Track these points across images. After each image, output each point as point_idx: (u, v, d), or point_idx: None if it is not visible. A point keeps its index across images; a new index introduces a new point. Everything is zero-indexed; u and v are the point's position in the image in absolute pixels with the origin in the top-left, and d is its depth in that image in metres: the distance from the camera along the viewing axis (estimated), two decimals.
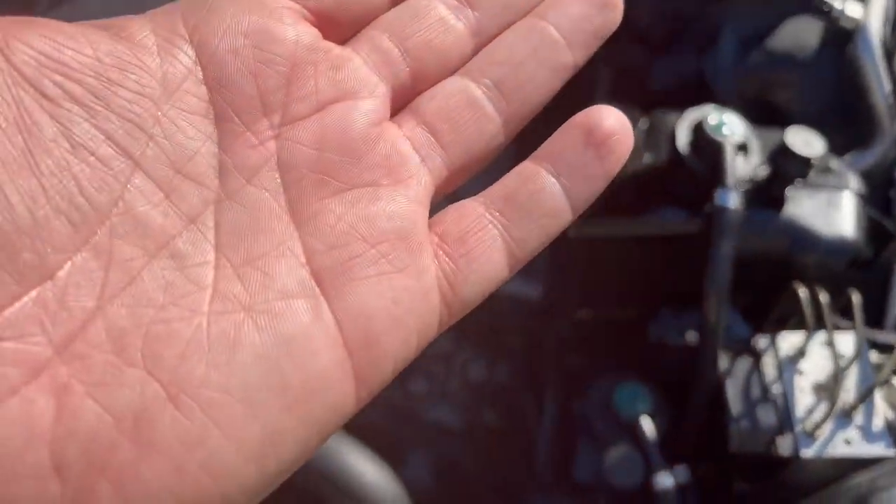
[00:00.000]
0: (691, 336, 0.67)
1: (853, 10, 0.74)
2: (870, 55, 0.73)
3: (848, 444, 0.60)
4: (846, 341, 0.64)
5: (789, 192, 0.67)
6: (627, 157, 0.24)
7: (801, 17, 0.77)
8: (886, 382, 0.64)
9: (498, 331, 0.92)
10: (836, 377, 0.60)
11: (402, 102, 0.23)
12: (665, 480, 0.64)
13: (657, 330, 0.68)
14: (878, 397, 0.62)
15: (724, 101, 0.79)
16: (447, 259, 0.21)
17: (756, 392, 0.63)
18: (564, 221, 0.23)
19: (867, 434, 0.60)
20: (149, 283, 0.18)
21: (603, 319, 0.74)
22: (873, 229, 0.71)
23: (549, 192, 0.22)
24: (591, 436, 0.69)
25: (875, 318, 0.69)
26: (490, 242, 0.22)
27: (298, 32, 0.21)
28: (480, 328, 0.92)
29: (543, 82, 0.24)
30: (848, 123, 0.78)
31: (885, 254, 0.68)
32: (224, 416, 0.17)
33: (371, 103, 0.22)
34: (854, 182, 0.69)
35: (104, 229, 0.18)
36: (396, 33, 0.23)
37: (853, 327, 0.66)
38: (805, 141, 0.64)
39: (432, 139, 0.23)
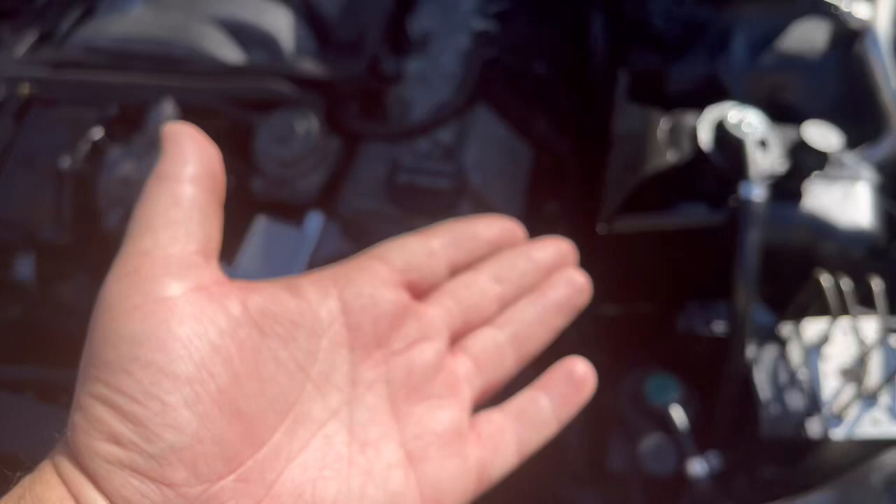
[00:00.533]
0: (719, 326, 0.69)
1: (860, 11, 0.76)
2: (878, 53, 0.76)
3: (876, 424, 0.62)
4: (868, 327, 0.67)
5: (807, 185, 0.70)
6: (592, 393, 0.36)
7: (809, 20, 0.80)
8: None
9: None
10: (862, 360, 0.62)
11: (456, 340, 0.35)
12: (698, 467, 0.66)
13: (685, 322, 0.70)
14: None
15: (737, 101, 0.82)
16: (481, 449, 0.33)
17: (783, 378, 0.65)
18: (552, 431, 0.35)
19: (894, 414, 0.62)
20: (311, 454, 0.30)
21: (629, 314, 0.75)
22: (888, 219, 0.73)
23: (545, 411, 0.34)
24: (623, 426, 0.71)
25: (893, 305, 0.72)
26: (507, 440, 0.33)
27: (399, 296, 0.33)
28: None
29: (543, 335, 0.36)
30: (856, 120, 0.81)
31: None
32: None
33: (439, 343, 0.34)
34: (868, 173, 0.72)
35: (291, 417, 0.29)
36: (454, 296, 0.35)
37: (874, 314, 0.68)
38: (822, 135, 0.66)
39: (474, 368, 0.34)
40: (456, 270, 0.36)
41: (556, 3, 0.98)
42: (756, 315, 0.71)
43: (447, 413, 0.32)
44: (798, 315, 0.69)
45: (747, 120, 0.67)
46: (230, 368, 0.27)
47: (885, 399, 0.63)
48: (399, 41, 0.94)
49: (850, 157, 0.73)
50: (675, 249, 0.68)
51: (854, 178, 0.71)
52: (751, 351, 0.66)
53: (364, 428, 0.31)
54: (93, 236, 0.74)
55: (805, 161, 0.67)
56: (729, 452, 0.67)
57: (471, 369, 0.34)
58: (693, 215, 0.66)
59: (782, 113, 0.81)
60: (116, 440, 0.25)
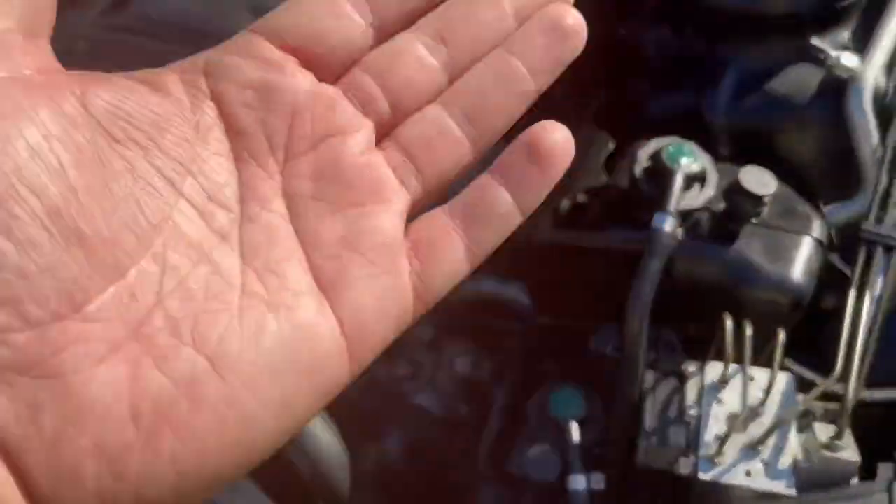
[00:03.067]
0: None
1: (849, 60, 0.73)
2: (859, 108, 0.72)
3: (748, 475, 0.60)
4: (762, 378, 0.64)
5: (746, 229, 0.68)
6: (567, 165, 0.27)
7: (801, 65, 0.77)
8: (808, 426, 0.63)
9: (488, 331, 0.95)
10: (750, 410, 0.61)
11: (385, 130, 0.27)
12: (577, 483, 0.66)
13: (598, 342, 0.70)
14: (794, 437, 0.61)
15: (717, 139, 0.81)
16: (418, 261, 0.26)
17: (673, 413, 0.64)
18: (514, 223, 0.27)
19: (771, 469, 0.60)
20: (193, 283, 0.23)
21: (559, 326, 0.77)
22: (837, 279, 0.70)
23: (501, 201, 0.26)
24: (527, 431, 0.72)
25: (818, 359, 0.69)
26: (453, 245, 0.26)
27: (297, 82, 0.26)
28: (474, 327, 0.96)
29: (508, 109, 0.27)
30: (838, 175, 0.77)
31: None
32: (254, 383, 0.23)
33: (358, 137, 0.26)
34: (817, 229, 0.69)
35: (159, 242, 0.23)
36: (379, 73, 0.26)
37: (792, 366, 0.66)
38: (758, 180, 0.65)
39: (410, 164, 0.26)
40: (385, 32, 0.27)
41: None
42: (672, 349, 0.70)
43: (371, 223, 0.25)
44: (711, 356, 0.67)
45: (686, 154, 0.66)
46: (62, 182, 0.21)
47: (766, 453, 0.61)
48: None
49: (806, 208, 0.70)
50: (596, 268, 0.69)
51: (799, 230, 0.68)
52: (649, 381, 0.66)
53: (260, 251, 0.24)
54: None
55: (738, 203, 0.66)
56: (613, 475, 0.67)
57: (405, 165, 0.26)
58: (610, 238, 0.67)
59: (765, 156, 0.79)
60: None
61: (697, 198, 0.66)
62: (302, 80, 0.26)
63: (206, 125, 0.25)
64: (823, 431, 0.62)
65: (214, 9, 0.91)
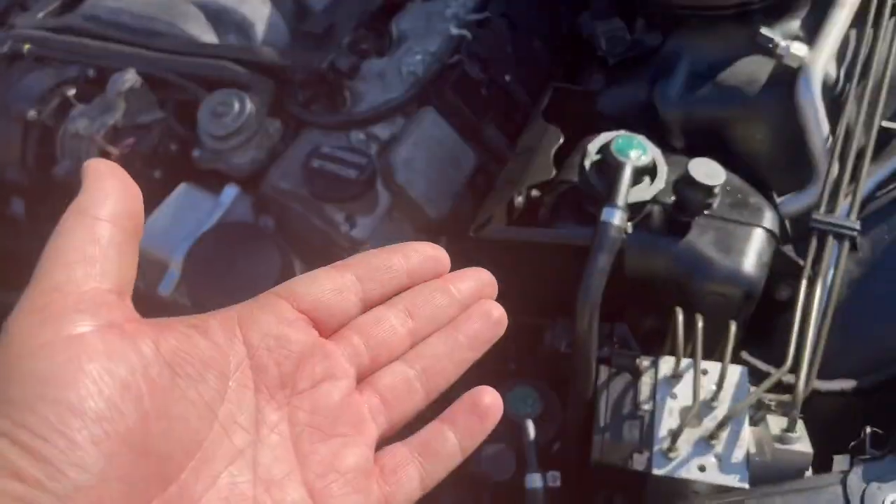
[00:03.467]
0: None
1: (799, 50, 0.73)
2: (809, 97, 0.72)
3: (702, 469, 0.59)
4: (733, 372, 0.64)
5: (698, 221, 0.67)
6: (498, 419, 0.36)
7: (752, 56, 0.76)
8: (761, 419, 0.63)
9: None
10: (696, 402, 0.60)
11: (364, 376, 0.35)
12: (534, 481, 0.65)
13: (551, 338, 0.69)
14: (747, 430, 0.61)
15: (671, 131, 0.80)
16: (385, 484, 0.33)
17: (627, 408, 0.64)
18: (458, 461, 0.35)
19: (724, 463, 0.60)
20: (216, 493, 0.30)
21: (515, 323, 0.75)
22: (790, 269, 0.69)
23: (449, 442, 0.35)
24: None
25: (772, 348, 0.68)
26: (411, 474, 0.34)
27: (305, 335, 0.34)
28: None
29: (454, 370, 0.36)
30: (793, 165, 0.77)
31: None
32: None
33: (345, 382, 0.34)
34: (768, 220, 0.68)
35: (198, 456, 0.30)
36: (363, 334, 0.35)
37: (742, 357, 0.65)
38: (707, 171, 0.64)
39: (381, 406, 0.34)
40: (370, 304, 0.36)
41: (534, 16, 0.98)
42: (625, 343, 0.69)
43: (351, 451, 0.33)
44: (665, 350, 0.66)
45: (635, 147, 0.65)
46: (140, 407, 0.28)
47: (720, 446, 0.60)
48: (380, 39, 0.97)
49: (757, 200, 0.70)
50: (546, 265, 0.68)
51: (750, 221, 0.67)
52: (602, 376, 0.65)
53: (268, 468, 0.31)
54: (54, 183, 0.82)
55: (688, 195, 0.65)
56: (568, 472, 0.66)
57: (377, 406, 0.34)
58: (560, 233, 0.66)
59: (719, 147, 0.78)
60: (19, 477, 0.25)
61: (647, 190, 0.65)
62: (309, 335, 0.34)
63: (236, 363, 0.32)
64: (776, 424, 0.62)
65: (160, 7, 0.89)
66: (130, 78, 0.81)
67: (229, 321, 0.32)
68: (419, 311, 0.36)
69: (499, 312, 0.38)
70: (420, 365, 0.35)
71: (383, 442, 0.35)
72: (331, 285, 0.35)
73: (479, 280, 0.38)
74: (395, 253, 0.37)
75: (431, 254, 0.37)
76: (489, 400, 0.36)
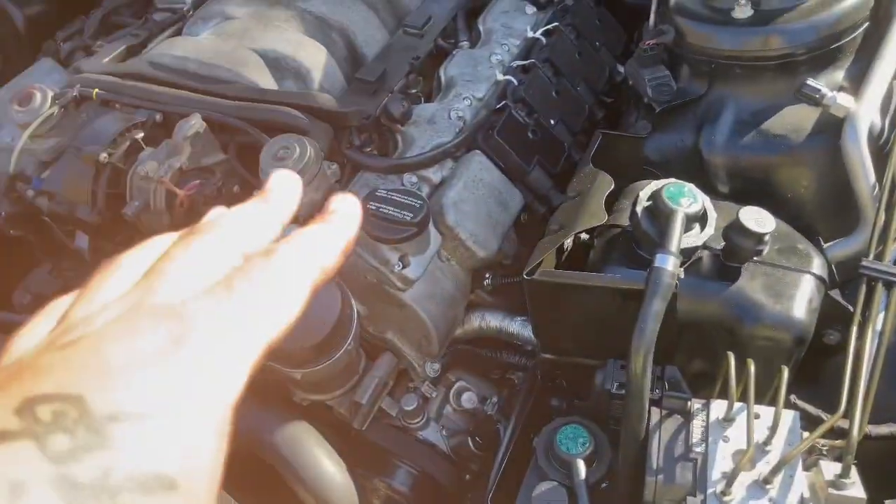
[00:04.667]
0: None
1: (844, 100, 0.74)
2: (856, 146, 0.73)
3: None
4: (786, 416, 0.64)
5: (747, 267, 0.68)
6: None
7: (797, 105, 0.77)
8: (814, 463, 0.63)
9: (495, 365, 0.95)
10: (756, 447, 0.60)
11: None
12: None
13: (602, 379, 0.70)
14: (801, 475, 0.61)
15: (716, 176, 0.81)
16: None
17: (680, 450, 0.64)
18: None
19: None
20: None
21: (565, 363, 0.76)
22: (839, 315, 0.70)
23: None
24: (535, 469, 0.72)
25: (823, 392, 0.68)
26: None
27: None
28: (481, 362, 0.96)
29: None
30: (837, 212, 0.78)
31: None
32: None
33: None
34: (817, 266, 0.69)
35: None
36: None
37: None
38: (757, 219, 0.65)
39: None
40: None
41: (577, 62, 1.00)
42: (676, 386, 0.70)
43: None
44: (716, 393, 0.67)
45: (686, 195, 0.67)
46: None
47: (774, 490, 0.60)
48: (429, 85, 1.00)
49: (806, 246, 0.70)
50: (596, 307, 0.69)
51: (800, 267, 0.68)
52: (654, 419, 0.65)
53: None
54: (121, 221, 0.85)
55: (738, 241, 0.66)
56: None
57: None
58: (610, 278, 0.67)
59: (765, 193, 0.79)
60: None
61: (698, 237, 0.66)
62: None
63: None
64: (830, 469, 0.62)
65: (222, 55, 0.93)
66: (196, 123, 0.84)
67: None
68: None
69: None
70: None
71: None
72: None
73: None
74: None
75: None
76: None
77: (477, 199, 0.87)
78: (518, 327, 0.91)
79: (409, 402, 0.92)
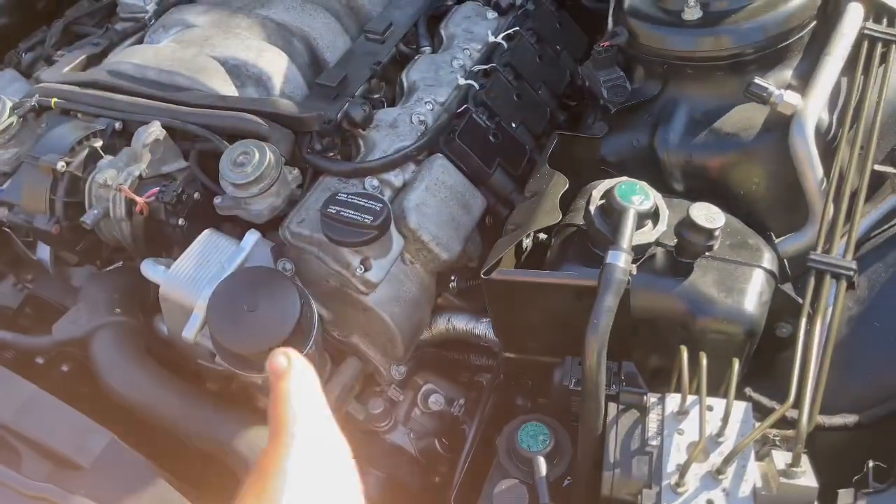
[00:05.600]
0: None
1: (791, 98, 0.75)
2: (803, 142, 0.74)
3: None
4: (738, 408, 0.65)
5: (699, 262, 0.69)
6: None
7: (749, 104, 0.79)
8: (767, 454, 0.64)
9: (461, 366, 0.96)
10: (701, 437, 0.61)
11: None
12: None
13: (560, 376, 0.70)
14: (753, 465, 0.62)
15: (670, 174, 0.82)
16: None
17: (636, 444, 0.65)
18: None
19: (731, 498, 0.60)
20: None
21: (528, 361, 0.77)
22: (790, 308, 0.71)
23: None
24: (497, 467, 0.72)
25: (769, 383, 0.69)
26: None
27: None
28: (448, 364, 0.96)
29: None
30: (789, 207, 0.79)
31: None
32: None
33: None
34: (768, 260, 0.70)
35: None
36: None
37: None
38: (707, 215, 0.66)
39: None
40: None
41: (538, 66, 1.01)
42: (633, 381, 0.71)
43: None
44: (671, 387, 0.68)
45: (638, 192, 0.68)
46: None
47: (727, 481, 0.61)
48: (391, 90, 1.01)
49: (757, 241, 0.72)
50: (554, 305, 0.70)
51: (750, 262, 0.69)
52: (612, 413, 0.66)
53: None
54: (81, 230, 0.84)
55: (690, 238, 0.67)
56: None
57: None
58: (566, 275, 0.68)
59: (718, 190, 0.81)
60: None
61: (650, 234, 0.67)
62: None
63: None
64: (781, 458, 0.63)
65: (182, 62, 0.93)
66: (155, 130, 0.84)
67: None
68: None
69: None
70: None
71: None
72: None
73: None
74: None
75: None
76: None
77: (439, 201, 0.88)
78: (484, 329, 0.91)
79: (376, 406, 0.92)
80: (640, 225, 0.67)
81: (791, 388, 0.65)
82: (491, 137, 0.95)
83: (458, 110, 0.94)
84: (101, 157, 0.85)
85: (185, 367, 0.83)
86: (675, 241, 0.68)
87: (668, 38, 0.80)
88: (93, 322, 0.81)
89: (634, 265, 0.66)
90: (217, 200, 0.83)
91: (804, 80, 0.79)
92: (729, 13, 0.77)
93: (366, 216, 0.78)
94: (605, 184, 0.69)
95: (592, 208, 0.68)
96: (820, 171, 0.74)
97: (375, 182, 0.87)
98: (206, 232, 0.79)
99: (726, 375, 0.64)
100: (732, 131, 0.79)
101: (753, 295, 0.67)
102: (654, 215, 0.68)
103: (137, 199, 0.80)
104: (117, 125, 0.88)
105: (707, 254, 0.69)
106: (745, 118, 0.79)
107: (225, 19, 1.03)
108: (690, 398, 0.64)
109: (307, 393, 0.39)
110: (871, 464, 0.62)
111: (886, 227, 0.79)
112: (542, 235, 0.75)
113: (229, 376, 0.82)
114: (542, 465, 0.69)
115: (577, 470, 0.68)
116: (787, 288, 0.72)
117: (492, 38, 1.03)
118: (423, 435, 0.93)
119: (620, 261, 0.63)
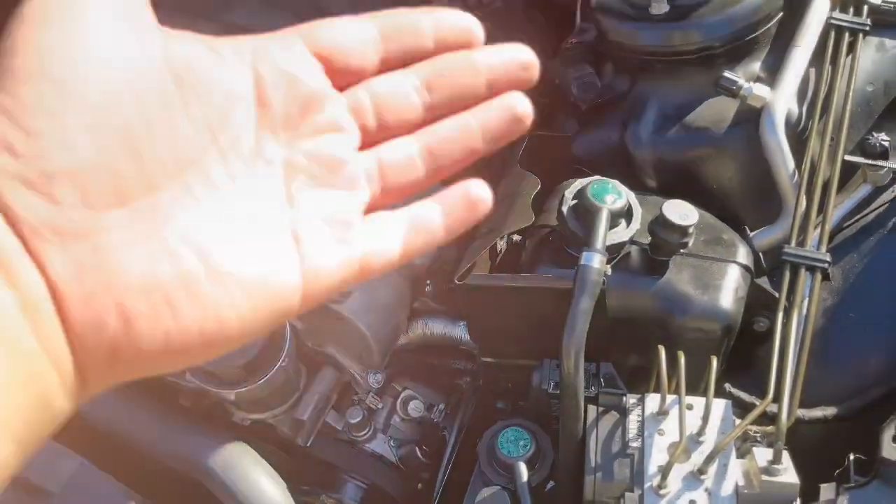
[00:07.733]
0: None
1: (761, 90, 0.75)
2: (773, 134, 0.74)
3: None
4: (718, 406, 0.64)
5: (674, 260, 0.68)
6: (485, 213, 0.35)
7: (719, 97, 0.78)
8: (748, 451, 0.63)
9: (439, 371, 0.94)
10: (689, 439, 0.60)
11: (367, 138, 0.34)
12: None
13: (538, 379, 0.70)
14: (735, 463, 0.61)
15: (643, 171, 0.82)
16: (367, 241, 0.33)
17: (617, 447, 0.64)
18: (440, 239, 0.34)
19: (714, 497, 0.60)
20: (203, 211, 0.29)
21: (507, 365, 0.76)
22: (767, 302, 0.71)
23: (436, 220, 0.34)
24: (479, 474, 0.71)
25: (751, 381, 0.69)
26: (395, 238, 0.33)
27: (316, 80, 0.32)
28: (427, 369, 0.95)
29: (460, 158, 0.35)
30: (762, 201, 0.79)
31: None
32: (231, 293, 0.29)
33: (346, 138, 0.33)
34: (742, 255, 0.69)
35: (190, 172, 0.29)
36: (375, 96, 0.34)
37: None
38: (680, 213, 0.65)
39: (378, 172, 0.33)
40: (388, 66, 0.34)
41: None
42: (612, 382, 0.70)
43: (340, 204, 0.32)
44: (651, 387, 0.67)
45: (611, 191, 0.67)
46: (139, 108, 0.27)
47: (709, 480, 0.61)
48: None
49: (731, 236, 0.71)
50: (530, 308, 0.69)
51: (725, 258, 0.69)
52: (591, 415, 0.65)
53: (257, 202, 0.30)
54: None
55: (664, 236, 0.67)
56: None
57: (374, 172, 0.33)
58: (541, 278, 0.67)
59: (691, 186, 0.80)
60: (10, 150, 0.25)
61: (624, 233, 0.66)
62: (320, 81, 0.32)
63: (242, 92, 0.31)
64: (763, 455, 0.62)
65: None
66: None
67: (242, 49, 0.31)
68: (438, 85, 0.34)
69: (524, 109, 0.34)
70: (425, 144, 0.34)
71: (371, 209, 0.33)
72: (354, 33, 0.33)
73: (514, 59, 0.34)
74: (425, 14, 0.34)
75: (464, 24, 0.34)
76: (478, 192, 0.34)
77: None
78: (462, 332, 0.90)
79: (355, 415, 0.91)
80: (613, 224, 0.66)
81: (770, 383, 0.65)
82: None
83: None
84: None
85: (158, 383, 0.81)
86: (650, 239, 0.67)
87: (635, 33, 0.79)
88: None
89: (609, 265, 0.65)
90: None
91: (773, 73, 0.78)
92: (696, 6, 0.76)
93: None
94: (577, 183, 0.68)
95: (565, 209, 0.67)
96: (791, 163, 0.74)
97: None
98: None
99: (705, 373, 0.64)
100: (703, 125, 0.78)
101: (729, 291, 0.66)
102: (627, 214, 0.67)
103: None
104: None
105: (682, 251, 0.68)
106: (715, 112, 0.78)
107: (189, 25, 1.00)
108: (670, 398, 0.64)
109: None
110: (852, 457, 0.61)
111: (859, 216, 0.79)
112: (517, 237, 0.74)
113: (202, 392, 0.80)
114: (524, 471, 0.67)
115: (559, 475, 0.67)
116: (763, 282, 0.72)
117: None
118: (403, 442, 0.92)
119: (594, 262, 0.62)
